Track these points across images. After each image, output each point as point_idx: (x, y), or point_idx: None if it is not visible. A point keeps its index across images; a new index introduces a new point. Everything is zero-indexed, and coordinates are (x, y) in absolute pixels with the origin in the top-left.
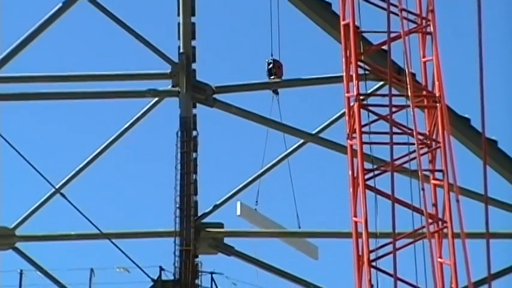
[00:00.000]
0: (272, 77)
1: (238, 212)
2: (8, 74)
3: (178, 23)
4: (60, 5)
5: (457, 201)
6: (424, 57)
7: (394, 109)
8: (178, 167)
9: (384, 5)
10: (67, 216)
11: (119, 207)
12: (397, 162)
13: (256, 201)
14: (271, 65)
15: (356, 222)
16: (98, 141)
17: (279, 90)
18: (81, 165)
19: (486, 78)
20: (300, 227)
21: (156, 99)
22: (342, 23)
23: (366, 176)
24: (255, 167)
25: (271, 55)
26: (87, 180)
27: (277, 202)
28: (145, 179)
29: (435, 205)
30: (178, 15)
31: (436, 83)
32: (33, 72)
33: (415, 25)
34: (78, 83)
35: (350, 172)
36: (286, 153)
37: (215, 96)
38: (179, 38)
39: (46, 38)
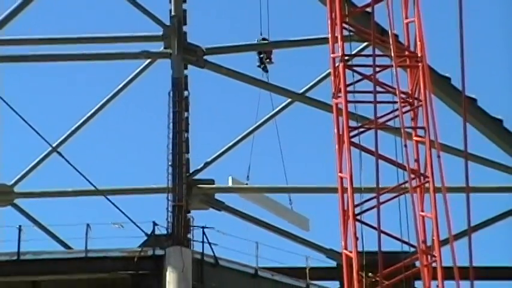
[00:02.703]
0: (262, 55)
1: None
2: (6, 36)
3: None
4: None
5: (438, 156)
6: (406, 18)
7: (377, 69)
8: (171, 126)
9: None
10: (64, 173)
11: (114, 164)
12: (381, 120)
13: (248, 176)
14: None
15: (341, 178)
16: (93, 102)
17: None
18: (77, 125)
19: (466, 38)
20: (287, 183)
21: (148, 60)
22: None
23: (351, 134)
24: (244, 125)
25: (261, 34)
26: (83, 138)
27: (266, 159)
28: (138, 137)
29: (417, 161)
30: None
31: (418, 43)
32: (29, 35)
33: None
34: (74, 45)
35: (335, 130)
36: (274, 112)
37: (206, 57)
38: (170, 2)
39: (40, 3)
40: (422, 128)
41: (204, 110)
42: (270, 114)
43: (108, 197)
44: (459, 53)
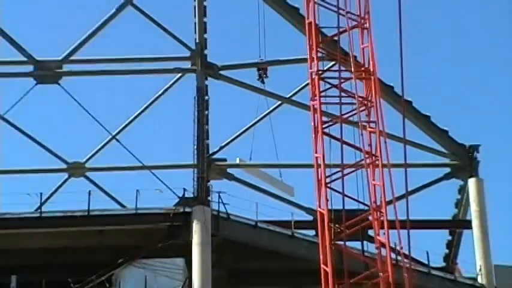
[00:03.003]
0: (260, 71)
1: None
2: (82, 57)
3: (195, 23)
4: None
5: (385, 142)
6: (362, 44)
7: (342, 80)
8: (195, 120)
9: (335, 9)
10: (121, 154)
11: (155, 147)
12: (345, 116)
13: (250, 157)
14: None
15: (317, 157)
16: (141, 102)
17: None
18: (132, 117)
19: (407, 55)
20: (278, 161)
21: (180, 74)
22: (307, 21)
23: (324, 126)
24: (248, 120)
25: (259, 56)
26: (134, 128)
27: (263, 144)
28: (173, 129)
29: (370, 145)
30: (195, 16)
31: (371, 62)
32: (94, 56)
33: (356, 23)
34: (131, 63)
35: (312, 123)
36: (268, 111)
37: (221, 72)
38: (195, 32)
39: (108, 36)
40: (374, 121)
41: (219, 109)
42: (266, 112)
43: (152, 171)
44: (400, 68)
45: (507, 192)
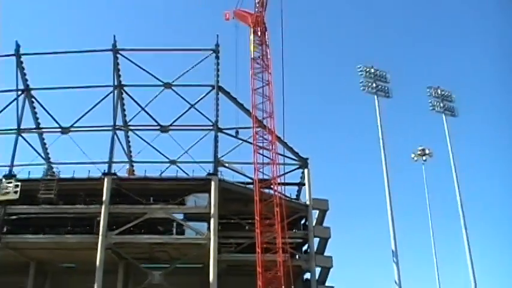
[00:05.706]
0: (236, 134)
1: (227, 165)
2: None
3: (216, 109)
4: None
5: (275, 155)
6: (270, 124)
7: (264, 137)
8: (214, 144)
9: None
10: (169, 148)
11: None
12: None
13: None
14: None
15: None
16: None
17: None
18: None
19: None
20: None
21: (207, 132)
22: (252, 114)
23: (258, 150)
24: (233, 145)
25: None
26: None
27: (237, 154)
28: (204, 147)
29: (272, 157)
30: (216, 104)
31: (272, 131)
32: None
33: (267, 115)
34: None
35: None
36: (239, 143)
37: (223, 130)
38: (215, 116)
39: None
40: (273, 151)
41: (223, 139)
42: (238, 144)
43: (197, 165)
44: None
45: (321, 175)
